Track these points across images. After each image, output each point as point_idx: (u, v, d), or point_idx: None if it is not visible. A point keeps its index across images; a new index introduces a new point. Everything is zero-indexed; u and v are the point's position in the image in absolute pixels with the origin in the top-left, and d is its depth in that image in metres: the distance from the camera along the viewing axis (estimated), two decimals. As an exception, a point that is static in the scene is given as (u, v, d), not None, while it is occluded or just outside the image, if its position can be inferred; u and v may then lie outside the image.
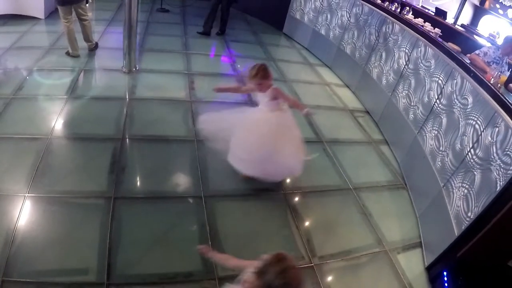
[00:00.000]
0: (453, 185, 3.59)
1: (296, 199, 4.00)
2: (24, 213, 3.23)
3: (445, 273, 3.22)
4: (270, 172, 3.89)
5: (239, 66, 6.85)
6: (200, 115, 4.30)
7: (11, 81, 5.09)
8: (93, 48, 6.29)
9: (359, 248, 3.56)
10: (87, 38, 6.14)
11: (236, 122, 3.89)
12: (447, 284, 3.15)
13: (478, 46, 5.55)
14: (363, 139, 5.33)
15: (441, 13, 7.90)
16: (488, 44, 5.87)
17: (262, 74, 3.67)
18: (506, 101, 3.24)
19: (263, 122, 3.79)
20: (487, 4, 9.50)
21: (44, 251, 2.96)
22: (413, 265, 3.53)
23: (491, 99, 3.44)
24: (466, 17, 9.67)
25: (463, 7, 9.35)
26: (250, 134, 3.81)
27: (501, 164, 3.00)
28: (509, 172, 2.87)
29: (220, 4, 7.76)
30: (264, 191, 4.01)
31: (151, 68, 6.07)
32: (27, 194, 3.40)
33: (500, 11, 9.13)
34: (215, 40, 7.96)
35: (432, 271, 3.42)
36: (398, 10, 6.14)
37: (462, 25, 8.80)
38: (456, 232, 3.25)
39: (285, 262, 1.81)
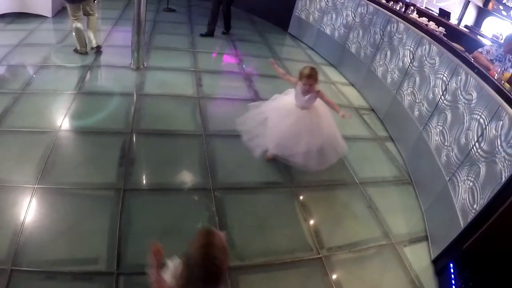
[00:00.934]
0: (458, 178, 3.63)
1: (304, 192, 4.02)
2: (34, 204, 3.26)
3: (451, 265, 3.24)
4: (311, 162, 4.06)
5: (244, 65, 6.90)
6: (237, 119, 4.41)
7: (19, 76, 5.16)
8: (96, 49, 6.16)
9: (366, 240, 3.59)
10: (92, 38, 6.09)
11: (270, 118, 4.13)
12: (454, 276, 3.17)
13: (481, 47, 5.59)
14: (369, 135, 5.37)
15: (444, 14, 7.95)
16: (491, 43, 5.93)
17: (315, 77, 3.87)
18: (510, 95, 3.28)
19: (298, 120, 4.01)
20: (490, 5, 9.53)
21: (54, 241, 2.98)
22: (420, 258, 3.56)
23: (495, 93, 3.48)
24: (469, 18, 9.71)
25: (466, 8, 9.41)
26: (288, 132, 4.02)
27: (506, 156, 3.03)
28: (514, 163, 2.92)
29: (221, 5, 7.79)
30: (272, 184, 4.06)
31: (159, 66, 6.13)
32: (36, 186, 3.43)
33: (504, 13, 9.17)
34: (221, 39, 8.02)
35: (438, 263, 3.44)
36: (403, 9, 6.19)
37: (466, 26, 8.84)
38: (462, 225, 3.28)
39: (207, 237, 1.79)
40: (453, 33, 6.56)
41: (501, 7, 9.29)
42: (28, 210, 3.19)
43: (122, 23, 7.86)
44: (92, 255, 2.95)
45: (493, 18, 9.47)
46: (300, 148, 3.98)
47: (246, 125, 4.29)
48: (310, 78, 3.83)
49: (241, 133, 4.28)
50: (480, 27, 9.44)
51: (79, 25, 5.78)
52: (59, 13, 7.72)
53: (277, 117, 4.11)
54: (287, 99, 4.19)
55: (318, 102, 4.07)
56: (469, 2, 9.35)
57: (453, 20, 8.67)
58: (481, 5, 9.63)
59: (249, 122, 4.28)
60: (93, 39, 6.12)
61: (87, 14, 5.90)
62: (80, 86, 5.16)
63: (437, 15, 7.96)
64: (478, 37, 7.62)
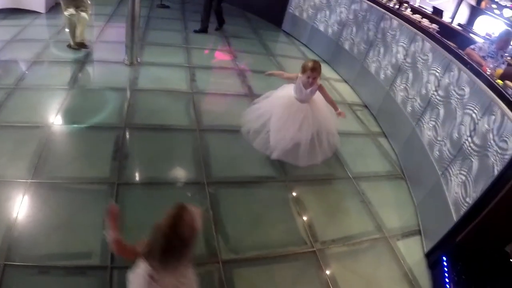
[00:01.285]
0: (451, 172, 3.66)
1: (298, 186, 4.04)
2: (27, 199, 3.24)
3: (444, 258, 3.26)
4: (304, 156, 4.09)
5: (238, 61, 6.89)
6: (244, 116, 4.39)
7: (12, 72, 5.12)
8: (81, 46, 5.99)
9: (359, 234, 3.62)
10: (79, 32, 5.93)
11: (272, 113, 4.12)
12: (447, 269, 3.20)
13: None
14: (362, 131, 5.40)
15: (438, 12, 8.02)
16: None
17: (318, 70, 3.92)
18: (501, 90, 3.32)
19: (300, 113, 4.04)
20: (483, 4, 9.60)
21: (47, 236, 2.97)
22: (413, 251, 3.59)
23: (487, 88, 3.52)
24: (462, 17, 9.78)
25: (459, 6, 9.47)
26: (287, 124, 4.04)
27: (498, 150, 3.07)
28: (505, 156, 2.94)
29: (212, 1, 7.74)
30: (266, 178, 4.07)
31: (152, 61, 6.12)
32: (30, 180, 3.41)
33: (496, 11, 9.24)
34: (215, 35, 8.00)
35: (431, 257, 3.47)
36: (397, 6, 6.23)
37: (459, 24, 8.90)
38: (455, 218, 3.31)
39: (179, 211, 1.86)
40: (446, 30, 6.62)
41: (494, 6, 9.36)
42: (22, 204, 3.17)
43: (115, 19, 7.83)
44: (86, 249, 2.94)
45: (486, 17, 9.54)
46: (300, 138, 4.04)
47: (251, 128, 4.26)
48: (314, 71, 3.87)
49: (250, 140, 4.25)
50: (473, 25, 9.51)
51: (72, 20, 5.70)
52: (52, 9, 7.67)
53: (281, 115, 4.09)
54: (285, 93, 4.19)
55: (316, 96, 4.10)
56: (462, 0, 9.42)
57: (446, 19, 8.74)
58: (474, 3, 9.70)
59: (253, 124, 4.25)
60: (78, 38, 5.97)
61: (78, 9, 5.81)
62: (73, 81, 5.13)
63: (430, 13, 8.03)
64: (471, 35, 7.69)
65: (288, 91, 4.17)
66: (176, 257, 1.84)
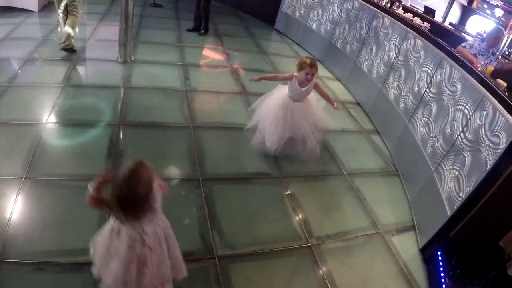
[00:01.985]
0: (444, 168, 3.70)
1: (293, 183, 4.05)
2: (22, 196, 3.23)
3: (439, 253, 3.30)
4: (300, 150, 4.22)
5: (231, 59, 6.90)
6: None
7: (5, 70, 5.09)
8: (66, 49, 5.74)
9: (354, 229, 3.64)
10: (70, 26, 5.63)
11: (269, 112, 4.19)
12: (442, 264, 3.23)
13: (465, 42, 5.70)
14: (355, 129, 5.44)
15: (429, 11, 8.07)
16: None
17: (316, 67, 3.96)
18: (493, 85, 3.37)
19: (293, 112, 4.11)
20: (474, 4, 9.70)
21: (42, 233, 2.96)
22: (407, 246, 3.62)
23: (479, 84, 3.57)
24: (454, 16, 9.87)
25: (451, 6, 9.55)
26: (282, 124, 4.11)
27: (490, 145, 3.11)
28: (498, 151, 2.98)
29: (201, 2, 7.65)
30: (261, 175, 4.09)
31: (146, 59, 6.11)
32: (24, 178, 3.39)
33: (488, 11, 9.34)
34: (208, 34, 7.98)
35: (426, 252, 3.51)
36: (389, 5, 6.28)
37: (451, 24, 8.98)
38: (449, 213, 3.35)
39: (136, 165, 1.94)
40: (438, 30, 6.66)
41: (485, 5, 9.47)
42: (16, 202, 3.16)
43: (109, 17, 7.80)
44: (81, 246, 2.89)
45: (478, 16, 9.65)
46: (295, 136, 4.15)
47: (255, 136, 4.31)
48: (313, 67, 3.91)
49: (255, 146, 4.31)
50: (464, 25, 9.60)
51: (65, 18, 5.67)
52: (45, 7, 7.64)
53: (275, 116, 4.13)
54: (279, 94, 4.21)
55: (310, 95, 4.14)
56: (453, 0, 9.50)
57: (438, 18, 8.81)
58: (465, 3, 9.79)
59: (257, 133, 4.30)
60: (65, 42, 5.72)
61: (69, 8, 5.70)
62: (67, 79, 5.10)
63: (421, 12, 8.08)
64: (463, 34, 7.76)
65: (282, 91, 4.20)
66: (132, 208, 1.93)
